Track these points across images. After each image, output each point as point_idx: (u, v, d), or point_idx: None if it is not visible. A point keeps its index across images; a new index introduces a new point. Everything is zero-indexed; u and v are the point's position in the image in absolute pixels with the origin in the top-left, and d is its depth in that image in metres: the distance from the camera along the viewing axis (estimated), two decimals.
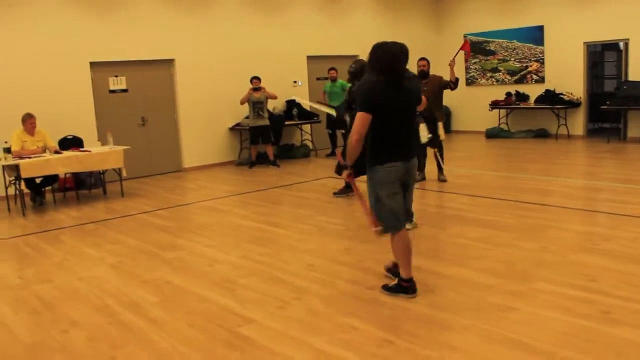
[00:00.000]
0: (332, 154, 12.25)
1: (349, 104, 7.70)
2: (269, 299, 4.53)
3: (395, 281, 4.53)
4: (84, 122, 10.10)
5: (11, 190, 8.56)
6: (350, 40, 13.56)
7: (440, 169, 8.90)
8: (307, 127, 13.02)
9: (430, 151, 8.79)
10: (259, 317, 4.19)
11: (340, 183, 8.57)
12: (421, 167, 8.92)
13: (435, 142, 8.62)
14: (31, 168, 8.13)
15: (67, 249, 6.35)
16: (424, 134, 8.43)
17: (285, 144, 12.56)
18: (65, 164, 8.49)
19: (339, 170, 8.19)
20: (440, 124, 8.54)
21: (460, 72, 14.88)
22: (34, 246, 6.57)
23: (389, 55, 4.15)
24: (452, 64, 8.62)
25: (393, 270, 4.72)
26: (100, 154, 8.85)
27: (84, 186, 9.59)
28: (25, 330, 4.24)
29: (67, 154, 8.68)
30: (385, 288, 4.53)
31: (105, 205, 8.69)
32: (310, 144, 13.00)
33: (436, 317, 4.03)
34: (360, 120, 4.09)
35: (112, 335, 4.04)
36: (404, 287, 4.45)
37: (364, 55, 4.52)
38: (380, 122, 4.12)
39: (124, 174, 9.18)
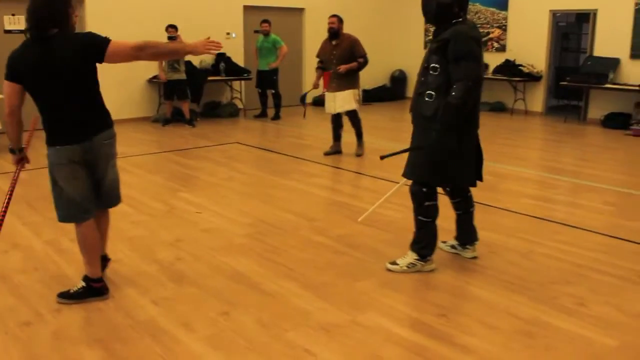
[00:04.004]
0: (263, 114, 11.17)
1: None
2: (43, 301, 3.56)
3: (80, 285, 3.62)
4: None
5: None
6: None
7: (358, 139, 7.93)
8: (237, 85, 11.85)
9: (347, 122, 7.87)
10: None
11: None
12: (337, 138, 8.01)
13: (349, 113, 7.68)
14: None
15: None
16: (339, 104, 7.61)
17: (211, 100, 11.43)
18: None
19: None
20: (352, 92, 7.52)
21: (417, 34, 13.79)
22: None
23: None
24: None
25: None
26: None
27: None
28: None
29: None
30: (66, 296, 3.59)
31: None
32: (239, 103, 11.84)
33: None
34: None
35: None
36: (96, 288, 3.61)
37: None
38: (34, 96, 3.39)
39: None
